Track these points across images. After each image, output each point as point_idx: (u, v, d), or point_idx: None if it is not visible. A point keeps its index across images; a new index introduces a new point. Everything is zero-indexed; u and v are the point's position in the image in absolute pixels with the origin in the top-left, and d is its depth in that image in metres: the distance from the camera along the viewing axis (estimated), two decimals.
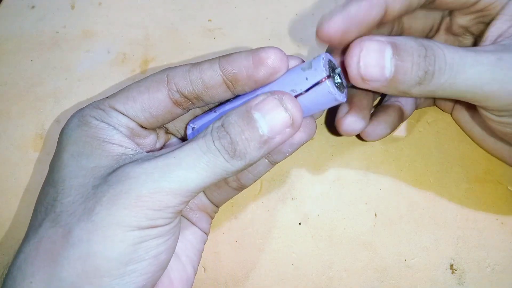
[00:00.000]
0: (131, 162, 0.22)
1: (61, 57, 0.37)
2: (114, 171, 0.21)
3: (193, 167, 0.21)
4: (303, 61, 0.24)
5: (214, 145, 0.21)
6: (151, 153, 0.23)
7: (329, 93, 0.22)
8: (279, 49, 0.23)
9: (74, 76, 0.36)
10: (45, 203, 0.23)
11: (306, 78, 0.22)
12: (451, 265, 0.31)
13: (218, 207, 0.29)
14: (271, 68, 0.23)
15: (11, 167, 0.34)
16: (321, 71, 0.22)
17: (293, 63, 0.24)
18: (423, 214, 0.32)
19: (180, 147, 0.22)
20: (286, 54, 0.24)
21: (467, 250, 0.31)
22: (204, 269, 0.32)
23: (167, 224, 0.22)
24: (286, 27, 0.38)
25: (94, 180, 0.22)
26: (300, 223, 0.32)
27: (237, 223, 0.33)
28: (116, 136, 0.23)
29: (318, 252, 0.32)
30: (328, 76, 0.22)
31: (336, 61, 0.25)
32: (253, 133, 0.22)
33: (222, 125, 0.22)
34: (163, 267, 0.23)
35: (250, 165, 0.22)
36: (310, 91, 0.23)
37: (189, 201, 0.22)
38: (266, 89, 0.24)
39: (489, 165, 0.33)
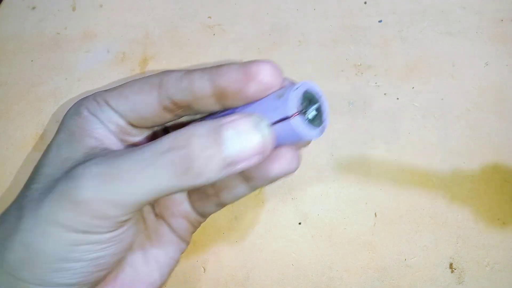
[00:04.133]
0: (87, 161, 0.21)
1: (61, 58, 0.37)
2: (73, 167, 0.21)
3: (133, 179, 0.19)
4: (292, 83, 0.22)
5: (165, 157, 0.19)
6: (112, 151, 0.22)
7: (294, 131, 0.20)
8: (272, 63, 0.21)
9: (74, 76, 0.36)
10: (24, 188, 0.23)
11: (276, 109, 0.20)
12: (451, 264, 0.31)
13: (203, 217, 0.28)
14: (262, 84, 0.21)
15: (11, 167, 0.34)
16: (291, 104, 0.20)
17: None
18: (424, 214, 0.32)
19: (131, 152, 0.20)
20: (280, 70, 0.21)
21: (467, 249, 0.31)
22: (204, 269, 0.32)
23: (108, 232, 0.20)
24: (287, 23, 0.37)
25: (58, 172, 0.21)
26: (300, 223, 0.32)
27: (237, 223, 0.33)
28: (100, 130, 0.23)
29: (318, 252, 0.32)
30: (299, 111, 0.20)
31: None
32: (218, 152, 0.19)
33: (183, 135, 0.20)
34: (106, 268, 0.22)
35: (207, 183, 0.20)
36: (277, 124, 0.20)
37: (133, 213, 0.20)
38: (237, 110, 0.22)
39: (498, 161, 0.32)
